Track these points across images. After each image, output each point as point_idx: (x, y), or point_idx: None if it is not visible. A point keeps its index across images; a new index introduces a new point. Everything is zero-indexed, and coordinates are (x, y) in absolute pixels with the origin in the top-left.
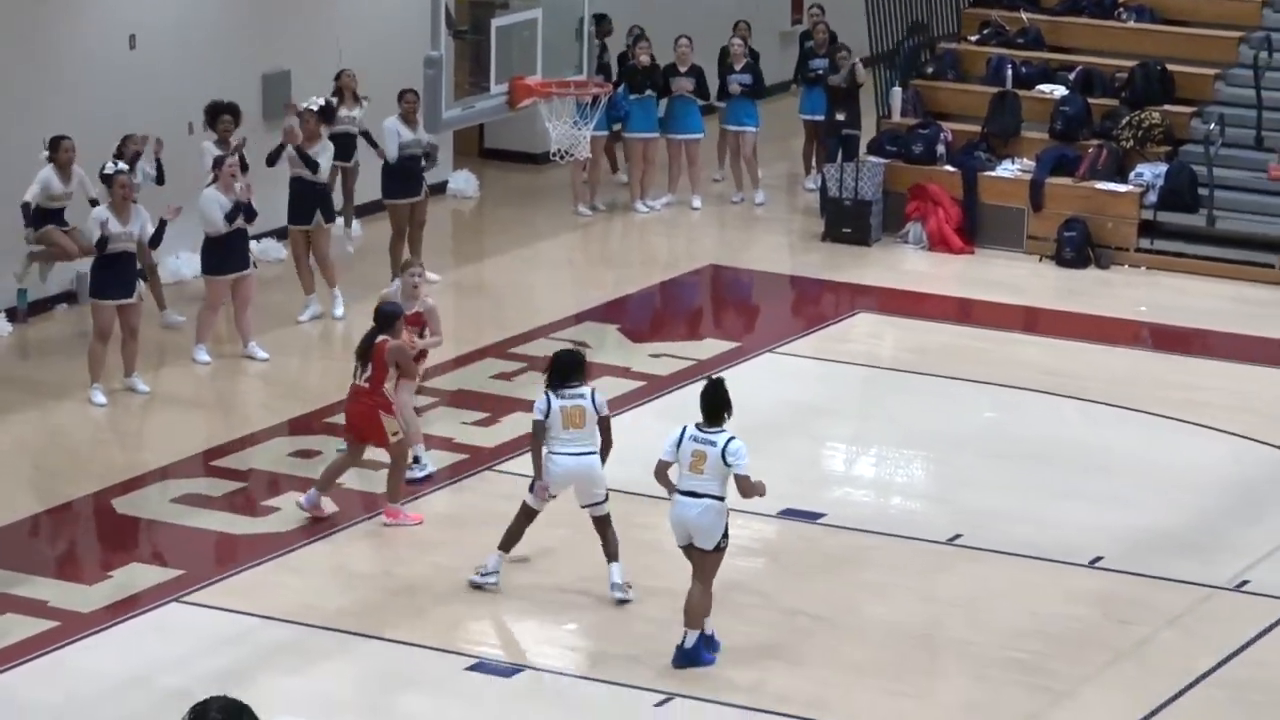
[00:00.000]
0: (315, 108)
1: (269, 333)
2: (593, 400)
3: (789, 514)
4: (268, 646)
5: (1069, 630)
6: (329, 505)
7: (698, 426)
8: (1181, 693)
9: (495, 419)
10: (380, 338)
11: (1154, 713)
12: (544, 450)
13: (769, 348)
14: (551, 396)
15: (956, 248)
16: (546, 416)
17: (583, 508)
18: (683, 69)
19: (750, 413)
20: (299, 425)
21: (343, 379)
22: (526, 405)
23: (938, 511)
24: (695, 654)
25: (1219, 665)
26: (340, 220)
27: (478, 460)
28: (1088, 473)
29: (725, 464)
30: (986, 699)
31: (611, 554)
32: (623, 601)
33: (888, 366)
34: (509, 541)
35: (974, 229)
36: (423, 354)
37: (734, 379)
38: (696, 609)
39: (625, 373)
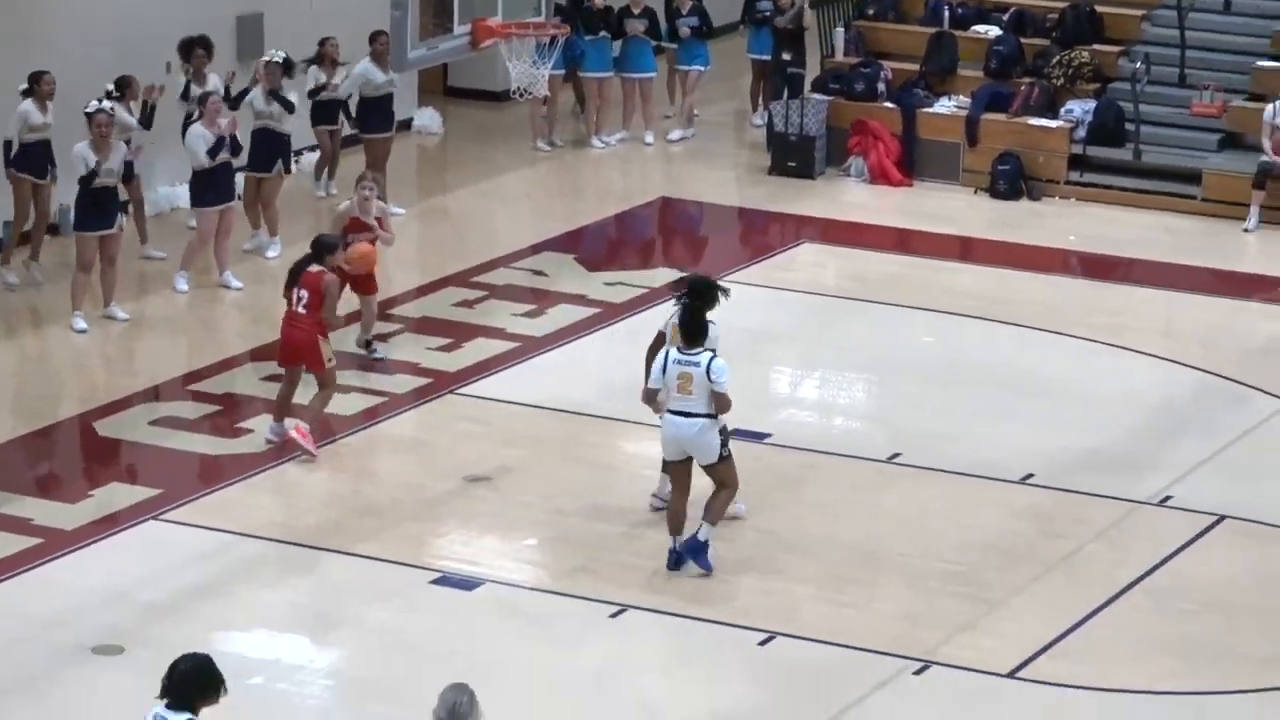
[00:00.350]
0: (279, 60)
1: (242, 263)
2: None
3: (738, 434)
4: (242, 562)
5: (1002, 544)
6: (291, 425)
7: (679, 350)
8: (1108, 602)
9: (457, 344)
10: (317, 268)
11: (1082, 621)
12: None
13: (718, 276)
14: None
15: (896, 180)
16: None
17: None
18: (636, 11)
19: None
20: (272, 351)
21: None
22: (487, 331)
23: (878, 432)
24: (701, 550)
25: (1143, 576)
26: (324, 177)
27: (441, 384)
28: (1021, 395)
29: (710, 381)
30: (924, 609)
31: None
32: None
33: (831, 294)
34: None
35: (912, 163)
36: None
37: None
38: (719, 509)
39: (581, 300)
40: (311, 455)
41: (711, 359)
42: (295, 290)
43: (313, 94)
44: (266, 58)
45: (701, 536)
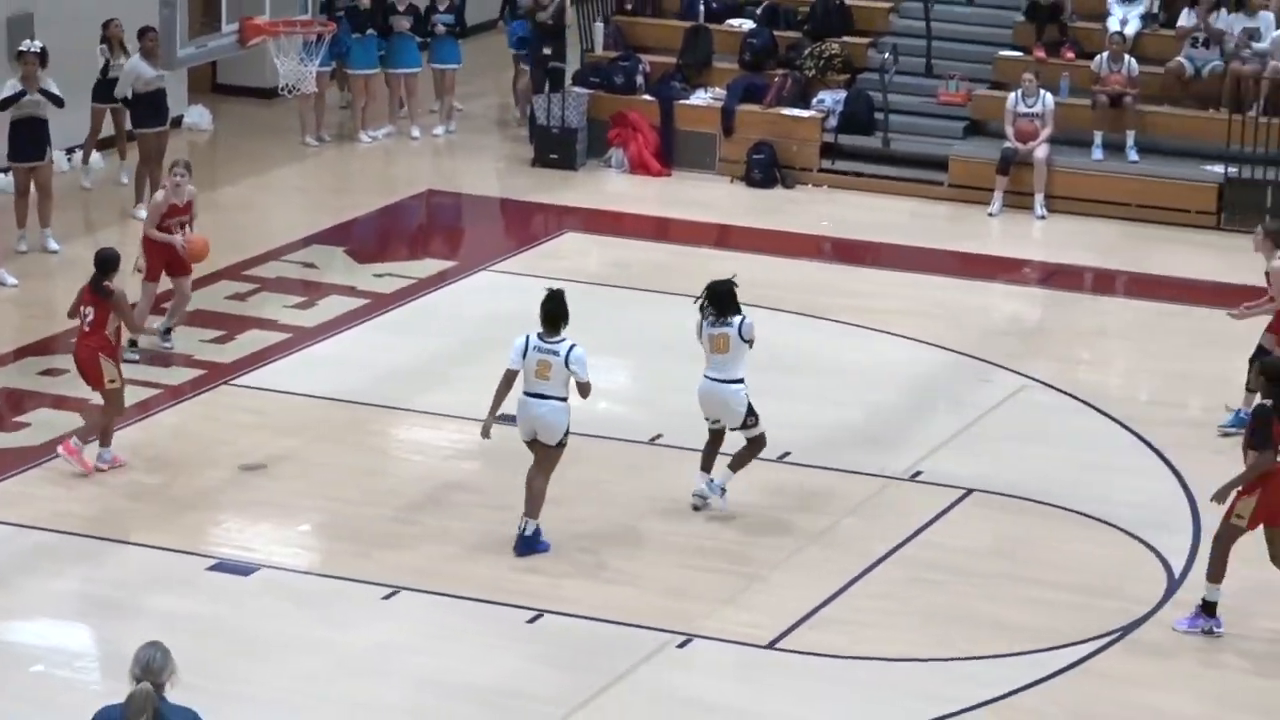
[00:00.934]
0: (35, 50)
1: (16, 261)
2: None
3: (504, 418)
4: (26, 552)
5: (761, 519)
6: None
7: (540, 336)
8: (863, 573)
9: (230, 337)
10: (104, 281)
11: (838, 592)
12: None
13: (484, 266)
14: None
15: (655, 170)
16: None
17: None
18: (401, 8)
19: (468, 325)
20: (46, 346)
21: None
22: (260, 323)
23: (641, 413)
24: (534, 541)
25: (896, 548)
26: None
27: (215, 376)
28: (778, 375)
29: (568, 369)
30: (686, 584)
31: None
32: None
33: (594, 281)
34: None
35: (670, 153)
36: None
37: (452, 295)
38: (537, 499)
39: (351, 291)
40: (85, 472)
41: (571, 348)
42: (81, 308)
43: (103, 72)
44: (22, 48)
45: (528, 532)
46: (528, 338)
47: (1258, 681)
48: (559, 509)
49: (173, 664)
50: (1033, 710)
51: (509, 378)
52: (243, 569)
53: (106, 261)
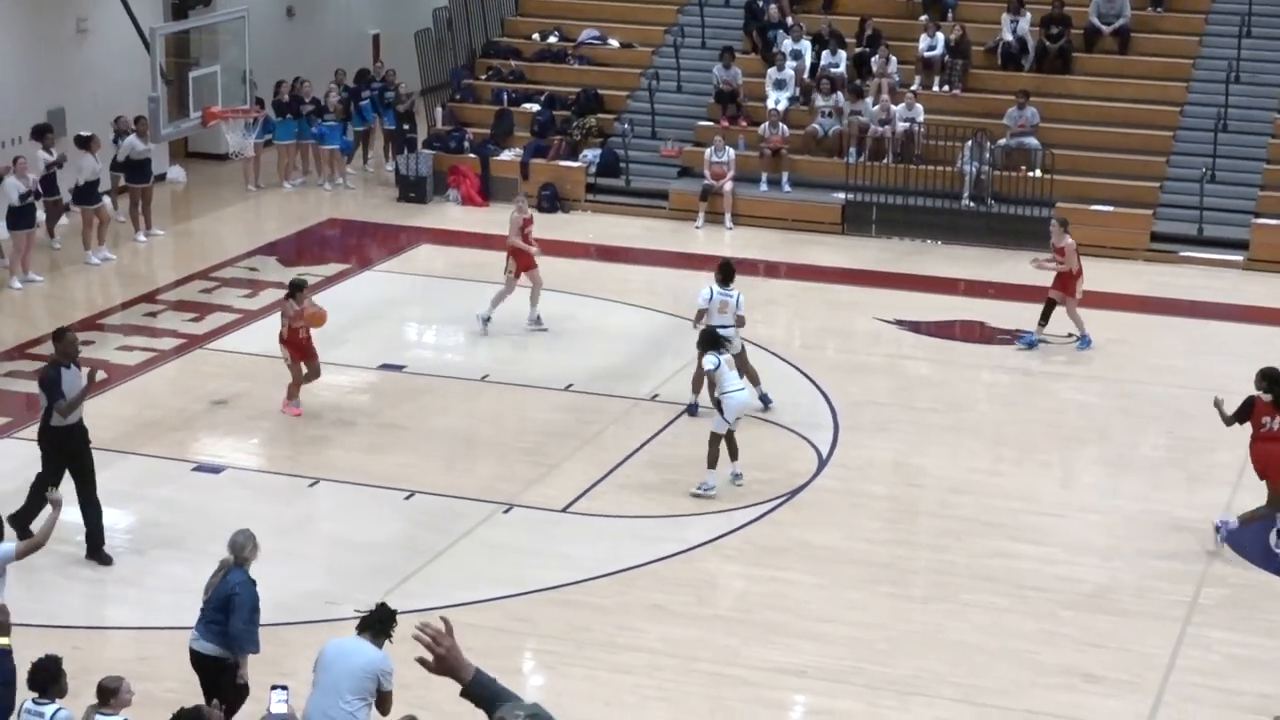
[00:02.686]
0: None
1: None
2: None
3: (385, 366)
4: None
5: (553, 427)
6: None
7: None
8: (621, 462)
9: (202, 317)
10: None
11: (604, 475)
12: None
13: (368, 267)
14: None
15: (479, 204)
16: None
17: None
18: (306, 99)
19: (359, 305)
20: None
21: None
22: (222, 308)
23: (474, 358)
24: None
25: (642, 445)
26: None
27: (193, 343)
28: (562, 336)
29: (737, 309)
30: (508, 471)
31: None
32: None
33: (441, 276)
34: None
35: (488, 191)
36: None
37: (348, 287)
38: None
39: (282, 285)
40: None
41: (739, 294)
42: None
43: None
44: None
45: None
46: (711, 288)
47: (891, 527)
48: (418, 423)
49: (252, 544)
50: (732, 546)
51: (700, 315)
52: (214, 469)
53: (295, 285)
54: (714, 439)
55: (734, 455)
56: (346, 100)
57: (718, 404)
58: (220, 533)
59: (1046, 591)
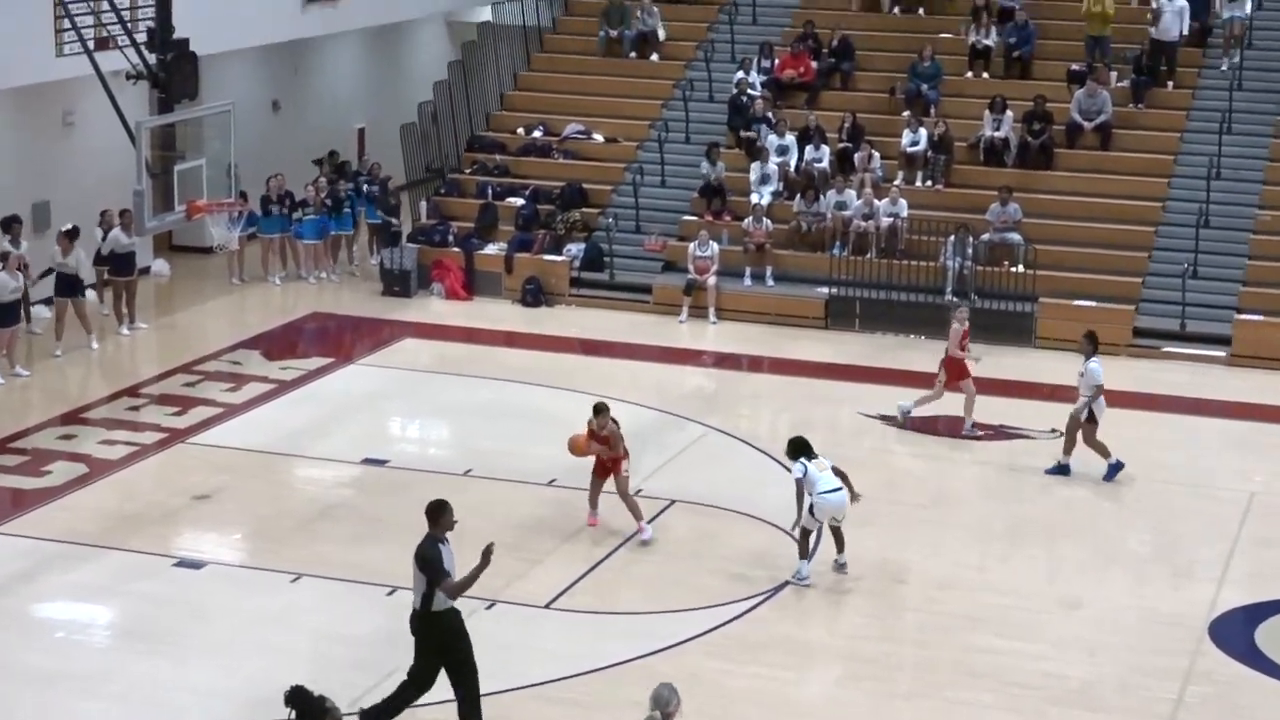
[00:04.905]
0: (66, 229)
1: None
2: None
3: (368, 460)
4: (50, 557)
5: (538, 523)
6: None
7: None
8: (605, 557)
9: (185, 410)
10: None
11: (590, 570)
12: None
13: (351, 361)
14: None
15: (463, 297)
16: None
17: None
18: (274, 196)
19: (343, 398)
20: None
21: None
22: (205, 401)
23: (456, 454)
24: None
25: (626, 540)
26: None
27: (175, 437)
28: (548, 428)
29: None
30: (493, 567)
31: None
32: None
33: (424, 370)
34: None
35: (473, 285)
36: None
37: (332, 381)
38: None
39: (265, 379)
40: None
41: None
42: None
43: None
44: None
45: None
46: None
47: (877, 623)
48: (400, 519)
49: (677, 700)
50: (715, 642)
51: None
52: (196, 565)
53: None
54: (804, 534)
55: (839, 547)
56: (333, 183)
57: (810, 508)
58: (202, 626)
59: (1032, 689)
